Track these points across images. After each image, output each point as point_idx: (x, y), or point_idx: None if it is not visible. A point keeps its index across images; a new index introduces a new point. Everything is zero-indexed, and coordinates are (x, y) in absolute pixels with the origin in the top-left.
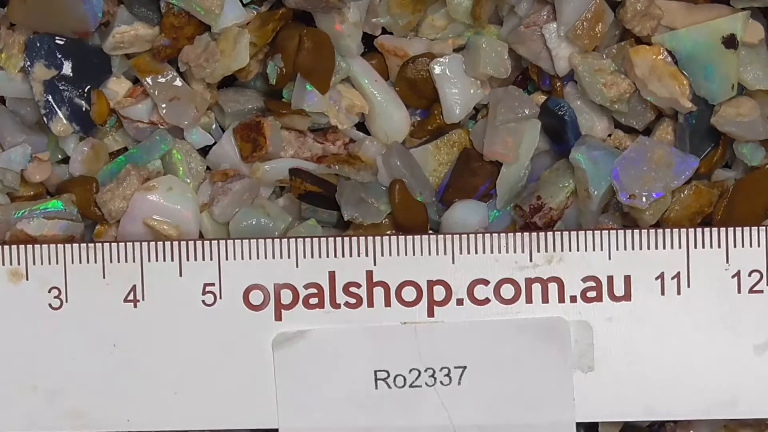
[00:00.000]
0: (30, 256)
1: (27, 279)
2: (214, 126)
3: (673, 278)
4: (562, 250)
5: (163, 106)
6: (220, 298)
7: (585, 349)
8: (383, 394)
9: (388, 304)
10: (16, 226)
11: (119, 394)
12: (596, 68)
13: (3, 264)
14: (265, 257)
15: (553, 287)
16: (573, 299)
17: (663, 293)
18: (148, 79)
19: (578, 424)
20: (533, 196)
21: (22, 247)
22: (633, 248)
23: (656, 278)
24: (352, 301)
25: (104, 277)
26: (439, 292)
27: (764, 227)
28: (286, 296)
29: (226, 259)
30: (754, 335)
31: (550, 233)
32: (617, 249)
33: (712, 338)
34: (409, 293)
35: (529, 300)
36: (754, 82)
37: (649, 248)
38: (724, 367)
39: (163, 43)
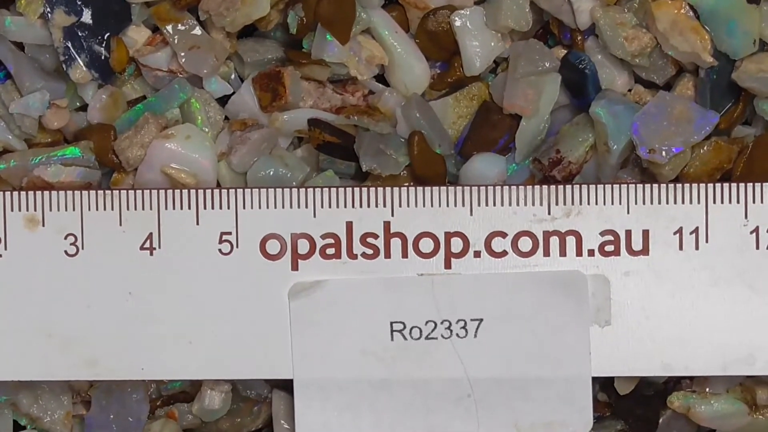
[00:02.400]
0: (47, 202)
1: (43, 225)
2: (233, 76)
3: (691, 233)
4: (580, 204)
5: (183, 54)
6: (237, 247)
7: (602, 304)
8: (399, 345)
9: (405, 255)
10: (33, 173)
11: (134, 342)
12: (618, 22)
13: (20, 210)
14: (283, 207)
15: (571, 240)
16: (591, 253)
17: (681, 248)
18: (168, 28)
19: (594, 379)
20: (552, 150)
21: (38, 193)
22: (652, 202)
23: (674, 233)
24: (369, 251)
25: (121, 224)
26: (456, 244)
27: None
28: (303, 246)
29: (244, 208)
30: None
31: (568, 186)
32: (636, 203)
33: (730, 294)
34: (426, 245)
35: (546, 253)
36: None
37: (668, 203)
38: (741, 323)
39: None
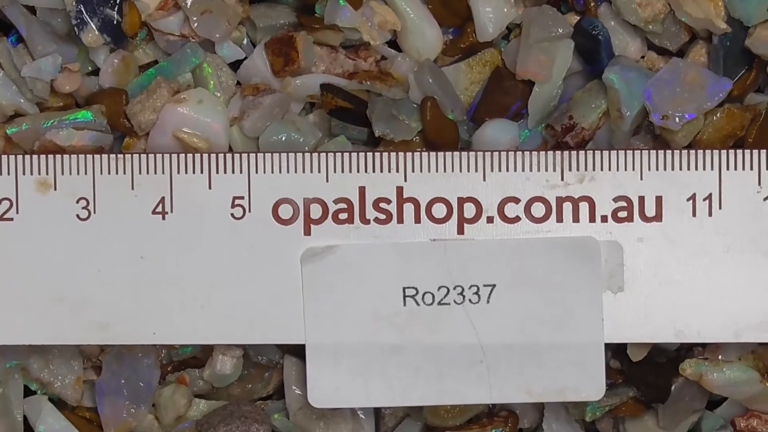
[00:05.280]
0: (58, 166)
1: (55, 189)
2: (245, 41)
3: (704, 200)
4: (593, 170)
5: (195, 19)
6: (249, 211)
7: (615, 270)
8: (411, 311)
9: (418, 220)
10: (45, 136)
11: (145, 306)
12: None
13: (31, 174)
14: (296, 171)
15: (584, 206)
16: (604, 219)
17: (694, 215)
18: None
19: (606, 345)
20: (565, 116)
21: (50, 156)
22: (665, 169)
23: (688, 199)
24: (382, 216)
25: (133, 188)
26: (469, 210)
27: None
28: (316, 211)
29: (256, 172)
30: None
31: (582, 152)
32: (649, 169)
33: (743, 261)
34: (439, 210)
35: (559, 219)
36: None
37: (681, 169)
38: (754, 289)
39: None
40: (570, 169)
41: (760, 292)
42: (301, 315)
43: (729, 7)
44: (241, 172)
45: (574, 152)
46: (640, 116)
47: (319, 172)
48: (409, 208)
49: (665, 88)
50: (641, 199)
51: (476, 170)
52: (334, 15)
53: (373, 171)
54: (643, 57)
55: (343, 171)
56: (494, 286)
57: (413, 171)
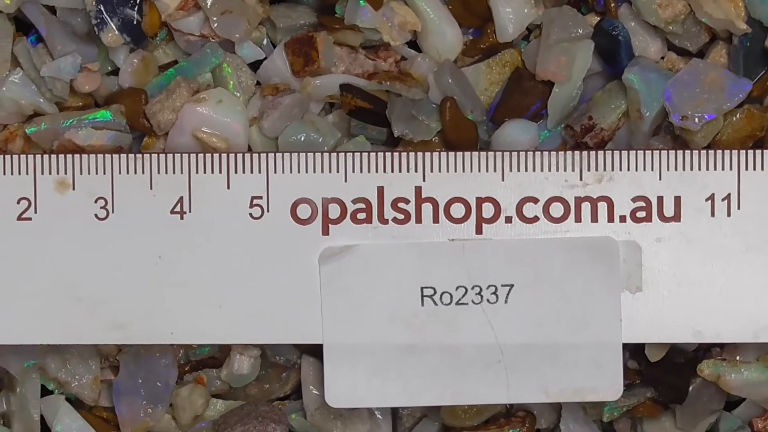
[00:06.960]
0: (77, 165)
1: (74, 189)
2: (265, 41)
3: (723, 200)
4: (612, 170)
5: (215, 19)
6: (268, 211)
7: (633, 270)
8: (429, 311)
9: (436, 220)
10: (64, 136)
11: (163, 306)
12: None
13: (50, 173)
14: (314, 171)
15: (602, 206)
16: (622, 219)
17: (713, 215)
18: None
19: (624, 346)
20: (585, 117)
21: (69, 156)
22: (684, 169)
23: (706, 199)
24: (401, 216)
25: (151, 188)
26: (487, 210)
27: None
28: (334, 211)
29: (275, 172)
30: None
31: (600, 152)
32: (668, 169)
33: (762, 261)
34: (457, 210)
35: (578, 219)
36: None
37: (700, 169)
38: None
39: None
40: (589, 169)
41: None
42: (318, 315)
43: (749, 8)
44: (259, 171)
45: (593, 152)
46: (659, 117)
47: (337, 172)
48: (427, 208)
49: (685, 88)
50: (660, 199)
51: (495, 170)
52: (355, 15)
53: (392, 171)
54: (663, 58)
55: (361, 171)
56: (512, 286)
57: (432, 171)
